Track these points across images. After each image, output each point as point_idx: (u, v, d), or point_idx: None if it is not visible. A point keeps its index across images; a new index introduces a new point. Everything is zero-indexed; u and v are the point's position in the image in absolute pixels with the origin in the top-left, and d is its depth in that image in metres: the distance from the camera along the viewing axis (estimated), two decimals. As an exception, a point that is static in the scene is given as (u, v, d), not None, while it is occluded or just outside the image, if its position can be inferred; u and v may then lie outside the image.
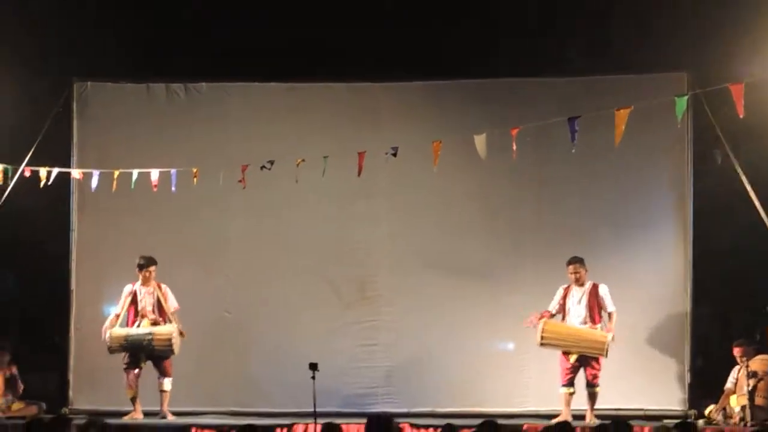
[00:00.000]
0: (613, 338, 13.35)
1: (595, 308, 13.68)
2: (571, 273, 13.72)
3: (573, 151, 12.33)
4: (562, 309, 13.82)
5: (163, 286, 13.98)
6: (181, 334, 13.83)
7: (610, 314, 13.64)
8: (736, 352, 13.71)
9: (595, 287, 13.74)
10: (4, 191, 14.38)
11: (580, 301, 13.74)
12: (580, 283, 13.75)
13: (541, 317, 13.60)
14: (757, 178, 13.70)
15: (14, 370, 14.93)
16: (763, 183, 13.73)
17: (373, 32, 14.77)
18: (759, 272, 15.25)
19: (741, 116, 11.26)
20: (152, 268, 13.89)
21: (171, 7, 14.51)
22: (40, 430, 9.78)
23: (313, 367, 12.29)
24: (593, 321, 13.65)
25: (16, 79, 14.61)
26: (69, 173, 14.89)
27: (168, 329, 13.78)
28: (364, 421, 11.94)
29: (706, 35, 13.50)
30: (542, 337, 13.57)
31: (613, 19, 14.30)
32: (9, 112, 14.85)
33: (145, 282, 13.91)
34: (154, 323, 13.86)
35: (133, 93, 15.68)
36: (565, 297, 13.83)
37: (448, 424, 10.73)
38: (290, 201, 14.98)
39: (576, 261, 13.72)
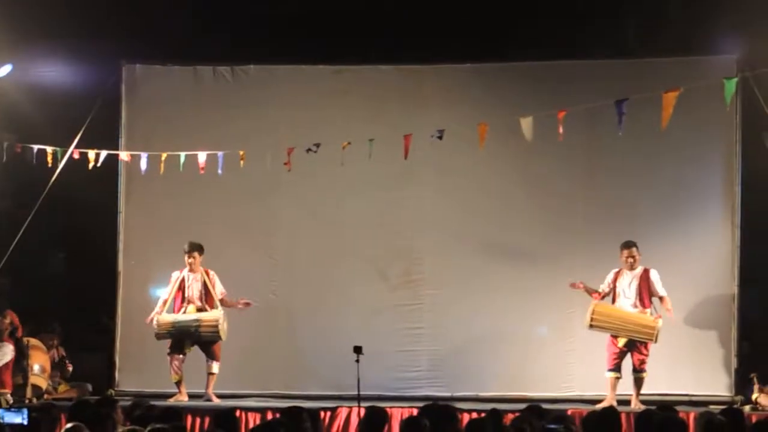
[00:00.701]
0: (670, 316, 13.33)
1: (645, 293, 13.62)
2: (627, 257, 13.68)
3: (620, 133, 12.18)
4: (612, 292, 13.76)
5: (211, 272, 13.99)
6: (247, 304, 13.92)
7: (662, 298, 13.56)
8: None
9: (646, 272, 13.67)
10: (54, 173, 14.41)
11: (630, 285, 13.69)
12: (632, 267, 13.63)
13: (591, 295, 13.68)
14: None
15: (62, 352, 15.01)
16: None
17: (421, 14, 14.69)
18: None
19: None
20: (196, 255, 13.86)
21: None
22: (85, 412, 9.75)
23: (358, 350, 12.26)
24: (643, 305, 13.60)
25: (65, 63, 14.63)
26: (117, 156, 14.91)
27: (214, 315, 13.80)
28: (410, 405, 11.98)
29: (756, 19, 13.30)
30: (592, 319, 13.52)
31: (662, 2, 14.10)
32: (59, 96, 14.93)
33: (192, 268, 13.90)
34: (200, 309, 13.88)
35: (180, 76, 15.74)
36: (615, 281, 13.79)
37: (493, 409, 10.59)
38: (335, 184, 14.98)
39: (632, 245, 13.67)
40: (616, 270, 13.78)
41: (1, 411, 9.69)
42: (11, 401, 13.23)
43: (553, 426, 8.10)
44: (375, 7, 14.61)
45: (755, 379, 13.67)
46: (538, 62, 15.20)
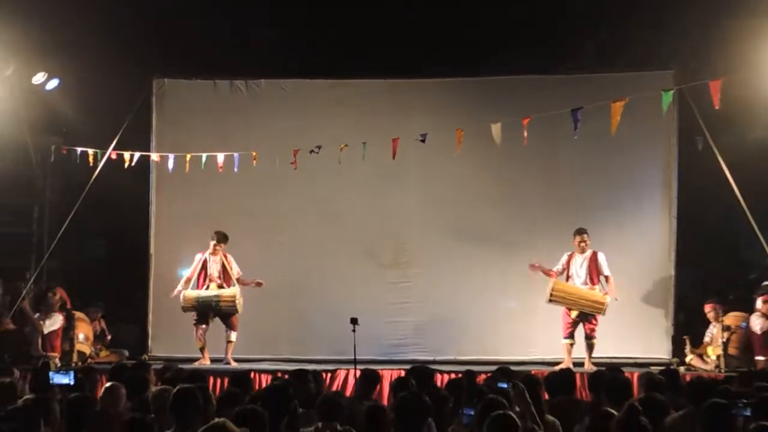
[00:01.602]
0: (616, 299, 13.37)
1: (594, 272, 13.68)
2: (579, 242, 13.75)
3: (575, 137, 12.33)
4: (566, 272, 13.78)
5: (229, 255, 13.99)
6: (258, 284, 13.90)
7: (607, 278, 13.62)
8: (707, 308, 13.82)
9: (594, 254, 13.73)
10: (95, 171, 14.42)
11: (581, 266, 13.75)
12: (583, 250, 13.67)
13: (548, 274, 13.66)
14: (732, 160, 13.63)
15: (103, 323, 15.02)
16: (737, 164, 13.66)
17: (407, 36, 14.69)
18: (734, 242, 15.24)
19: (717, 108, 11.28)
20: (221, 245, 13.89)
21: (233, 18, 14.40)
22: (123, 374, 9.80)
23: (354, 321, 12.28)
24: (592, 283, 13.68)
25: (103, 78, 14.62)
26: (148, 156, 14.94)
27: (232, 292, 13.83)
28: (398, 368, 12.00)
29: (691, 40, 13.32)
30: (551, 295, 13.57)
31: (611, 24, 14.14)
32: (98, 105, 14.93)
33: (214, 252, 13.91)
34: (220, 287, 13.88)
35: (202, 89, 15.73)
36: (568, 262, 13.84)
37: (468, 370, 10.65)
38: (334, 180, 14.95)
39: (583, 232, 13.75)
40: (570, 253, 13.83)
41: (51, 373, 9.69)
42: (59, 365, 13.23)
43: (502, 385, 8.09)
44: (366, 30, 14.60)
45: (688, 342, 13.72)
46: (506, 77, 15.26)
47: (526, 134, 12.72)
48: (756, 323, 13.15)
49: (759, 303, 13.41)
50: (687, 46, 13.56)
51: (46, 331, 13.84)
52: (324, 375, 12.50)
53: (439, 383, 11.45)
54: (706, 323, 13.88)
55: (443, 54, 14.82)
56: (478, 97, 15.07)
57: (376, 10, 14.46)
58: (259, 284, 13.93)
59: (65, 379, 9.18)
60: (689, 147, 14.61)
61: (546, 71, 15.10)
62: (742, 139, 13.98)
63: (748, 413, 7.09)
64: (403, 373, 10.41)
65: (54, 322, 13.89)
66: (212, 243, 13.87)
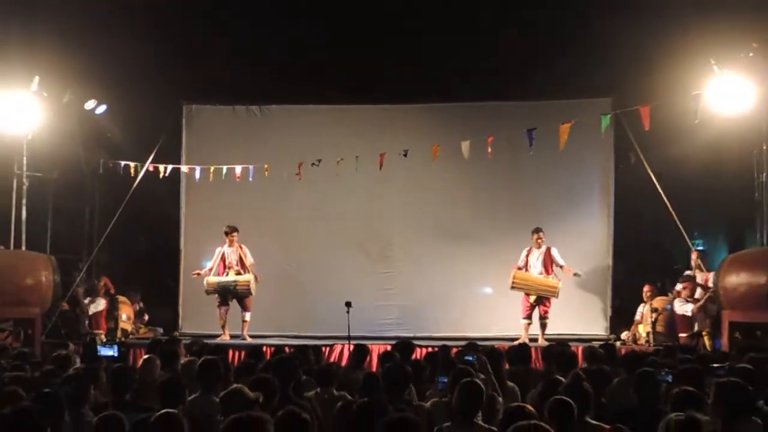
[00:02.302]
0: (577, 274, 13.53)
1: (548, 264, 13.69)
2: (536, 239, 13.74)
3: (531, 153, 12.57)
4: (526, 264, 13.74)
5: (244, 246, 13.93)
6: (256, 279, 13.83)
7: (562, 267, 13.62)
8: (646, 289, 13.89)
9: (548, 249, 13.73)
10: (135, 181, 14.46)
11: (537, 259, 13.74)
12: (539, 246, 13.67)
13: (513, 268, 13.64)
14: (659, 170, 13.83)
15: (142, 305, 14.99)
16: (663, 174, 13.85)
17: (393, 70, 14.68)
18: (661, 237, 15.27)
19: (646, 129, 11.65)
20: (234, 234, 13.84)
21: (249, 54, 14.38)
22: (158, 347, 9.78)
23: (348, 304, 12.32)
24: (547, 272, 13.68)
25: (142, 104, 14.65)
26: (179, 168, 14.95)
27: (247, 277, 13.78)
28: (385, 343, 11.99)
29: (625, 72, 13.36)
30: (513, 283, 13.63)
31: (559, 59, 14.14)
32: (138, 126, 14.98)
33: (231, 244, 13.86)
34: (237, 273, 13.84)
35: (223, 112, 15.75)
36: (527, 255, 13.79)
37: (443, 345, 10.64)
38: (332, 188, 14.90)
39: (539, 230, 13.75)
40: (528, 248, 13.80)
41: (99, 346, 9.70)
42: (105, 340, 13.23)
43: (469, 357, 8.08)
44: (360, 66, 14.57)
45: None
46: (474, 103, 15.23)
47: (490, 150, 12.94)
48: (680, 307, 13.17)
49: (679, 286, 13.47)
50: (621, 78, 13.58)
51: (91, 312, 13.86)
52: (324, 349, 12.52)
53: (418, 356, 11.45)
54: (638, 304, 13.92)
55: (421, 84, 14.80)
56: (451, 120, 15.05)
57: (367, 50, 14.43)
58: (256, 277, 13.87)
59: (110, 352, 9.21)
60: (624, 160, 14.75)
61: (506, 98, 15.08)
62: (667, 153, 14.00)
63: (669, 379, 7.12)
64: (389, 348, 10.40)
65: (98, 305, 13.90)
66: (226, 236, 13.83)
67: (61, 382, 6.94)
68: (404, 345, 10.07)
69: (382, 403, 6.25)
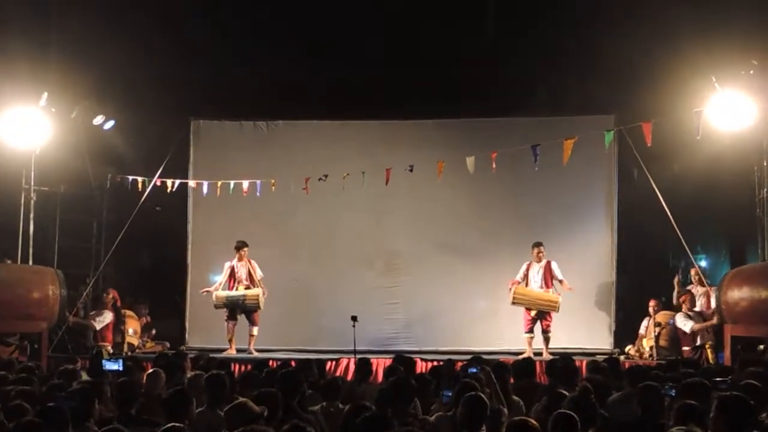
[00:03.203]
0: (570, 289, 13.46)
1: (548, 278, 13.64)
2: (537, 253, 13.70)
3: (536, 168, 12.54)
4: (525, 278, 13.71)
5: (253, 261, 13.93)
6: (264, 293, 13.77)
7: (561, 281, 13.56)
8: (652, 303, 13.73)
9: (548, 263, 13.69)
10: (143, 195, 14.44)
11: (538, 273, 13.71)
12: (539, 260, 13.62)
13: (513, 284, 13.55)
14: (662, 185, 13.61)
15: (149, 319, 14.97)
16: (667, 189, 13.63)
17: (398, 87, 14.64)
18: (664, 252, 15.22)
19: (649, 144, 11.70)
20: (244, 249, 13.82)
21: (256, 71, 14.41)
22: (165, 361, 9.75)
23: (354, 318, 12.25)
24: (547, 286, 13.64)
25: (150, 119, 14.70)
26: (187, 183, 14.94)
27: (255, 292, 13.75)
28: (389, 357, 11.94)
29: (628, 89, 13.37)
30: (514, 298, 13.59)
31: (563, 76, 14.17)
32: (145, 141, 15.02)
33: (240, 259, 13.85)
34: (246, 288, 13.81)
35: (230, 128, 15.72)
36: (527, 270, 13.74)
37: (448, 359, 10.62)
38: (339, 203, 14.82)
39: (540, 245, 13.70)
40: (528, 262, 13.76)
41: (104, 360, 9.67)
42: (111, 353, 13.20)
43: (473, 369, 8.05)
44: (365, 82, 14.59)
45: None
46: (479, 119, 15.21)
47: (494, 165, 12.91)
48: (681, 323, 13.11)
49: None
50: (624, 95, 13.58)
51: (98, 327, 13.79)
52: (329, 363, 12.51)
53: (422, 370, 11.42)
54: (641, 318, 13.86)
55: (426, 101, 14.78)
56: (456, 135, 15.03)
57: (373, 67, 14.45)
58: (264, 292, 13.84)
59: (115, 366, 9.17)
60: (627, 176, 14.68)
61: (510, 114, 15.04)
62: (670, 169, 14.01)
63: (673, 393, 7.08)
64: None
65: (105, 318, 13.84)
66: (236, 251, 13.83)
67: (65, 397, 6.91)
68: (403, 359, 10.07)
69: (387, 417, 6.20)
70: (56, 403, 6.51)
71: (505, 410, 7.09)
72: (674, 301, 13.73)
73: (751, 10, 11.43)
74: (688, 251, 13.69)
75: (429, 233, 15.22)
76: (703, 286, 13.61)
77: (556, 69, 14.21)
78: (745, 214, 13.15)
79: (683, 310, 13.18)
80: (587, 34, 13.33)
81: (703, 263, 14.51)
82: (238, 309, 13.83)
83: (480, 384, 7.12)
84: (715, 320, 12.58)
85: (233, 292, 13.81)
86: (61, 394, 7.16)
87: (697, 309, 13.24)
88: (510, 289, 13.53)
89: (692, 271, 13.89)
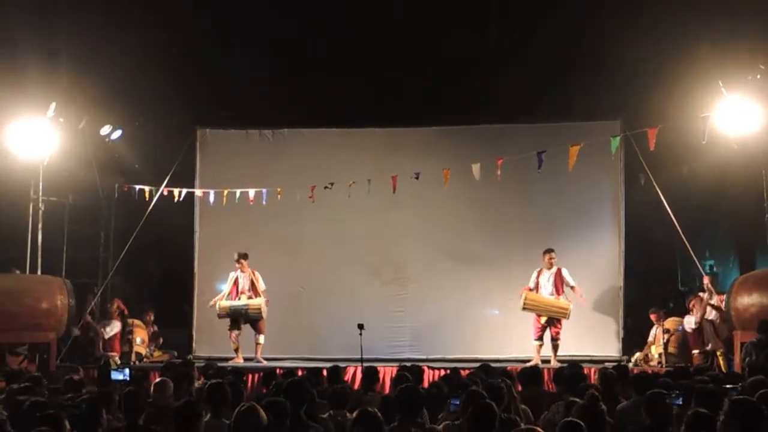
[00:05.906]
0: (582, 296, 13.49)
1: (559, 284, 13.59)
2: (547, 259, 13.66)
3: (539, 172, 12.56)
4: (536, 285, 13.65)
5: (256, 272, 13.89)
6: (266, 303, 13.75)
7: (573, 288, 13.54)
8: (652, 316, 13.78)
9: (559, 270, 13.65)
10: (150, 205, 14.42)
11: (548, 280, 13.65)
12: (550, 266, 13.59)
13: (524, 291, 13.51)
14: (669, 191, 13.59)
15: (156, 328, 14.96)
16: (672, 195, 13.63)
17: (403, 94, 14.69)
18: (671, 258, 15.16)
19: (652, 149, 11.66)
20: (243, 261, 13.78)
21: (261, 80, 14.42)
22: (172, 371, 9.71)
23: (360, 326, 12.21)
24: (558, 293, 13.58)
25: (156, 129, 14.71)
26: (193, 192, 14.94)
27: (258, 302, 13.72)
28: (396, 365, 11.90)
29: (634, 95, 13.36)
30: (524, 304, 13.52)
31: (569, 82, 14.14)
32: (152, 151, 15.02)
33: (242, 270, 13.82)
34: (249, 298, 13.79)
35: (236, 137, 15.72)
36: (538, 276, 13.71)
37: (455, 367, 10.57)
38: (344, 211, 14.77)
39: (551, 251, 13.67)
40: (538, 269, 13.71)
41: (111, 370, 9.65)
42: (119, 363, 13.20)
43: (493, 380, 7.98)
44: (371, 89, 14.59)
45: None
46: (484, 125, 15.17)
47: (500, 172, 12.85)
48: (687, 323, 13.10)
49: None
50: (631, 100, 13.55)
51: (106, 337, 13.81)
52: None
53: (430, 378, 11.37)
54: (650, 326, 13.81)
55: (432, 108, 14.78)
56: (462, 142, 14.98)
57: (378, 74, 14.44)
58: (267, 302, 13.82)
59: (121, 376, 9.15)
60: (634, 181, 14.62)
61: (516, 121, 15.03)
62: (676, 174, 13.97)
63: (680, 402, 7.03)
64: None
65: (113, 328, 13.86)
66: (236, 263, 13.82)
67: (72, 406, 6.88)
68: (411, 368, 10.01)
69: (393, 427, 6.17)
70: (63, 412, 6.47)
71: (522, 424, 7.00)
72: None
73: (758, 14, 11.37)
74: (694, 257, 13.60)
75: (435, 240, 15.16)
76: (715, 294, 13.42)
77: (561, 74, 14.18)
78: (753, 219, 13.09)
79: (692, 313, 13.16)
80: (593, 40, 13.30)
81: (710, 272, 14.42)
82: (242, 318, 13.82)
83: (501, 393, 7.04)
84: (716, 303, 12.63)
85: (236, 302, 13.80)
86: (67, 404, 7.13)
87: (711, 317, 13.13)
88: (521, 295, 13.49)
89: (705, 280, 13.66)
